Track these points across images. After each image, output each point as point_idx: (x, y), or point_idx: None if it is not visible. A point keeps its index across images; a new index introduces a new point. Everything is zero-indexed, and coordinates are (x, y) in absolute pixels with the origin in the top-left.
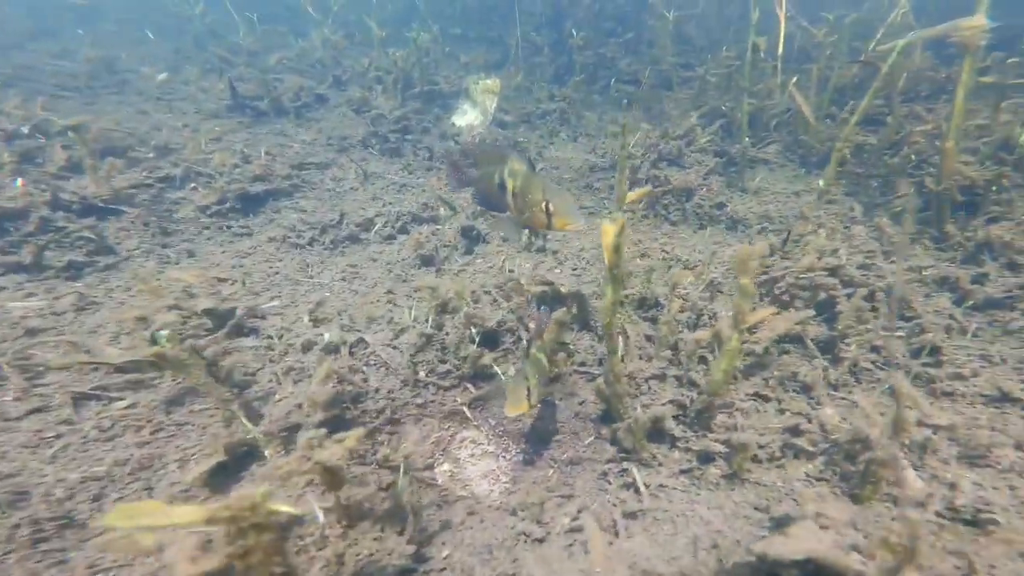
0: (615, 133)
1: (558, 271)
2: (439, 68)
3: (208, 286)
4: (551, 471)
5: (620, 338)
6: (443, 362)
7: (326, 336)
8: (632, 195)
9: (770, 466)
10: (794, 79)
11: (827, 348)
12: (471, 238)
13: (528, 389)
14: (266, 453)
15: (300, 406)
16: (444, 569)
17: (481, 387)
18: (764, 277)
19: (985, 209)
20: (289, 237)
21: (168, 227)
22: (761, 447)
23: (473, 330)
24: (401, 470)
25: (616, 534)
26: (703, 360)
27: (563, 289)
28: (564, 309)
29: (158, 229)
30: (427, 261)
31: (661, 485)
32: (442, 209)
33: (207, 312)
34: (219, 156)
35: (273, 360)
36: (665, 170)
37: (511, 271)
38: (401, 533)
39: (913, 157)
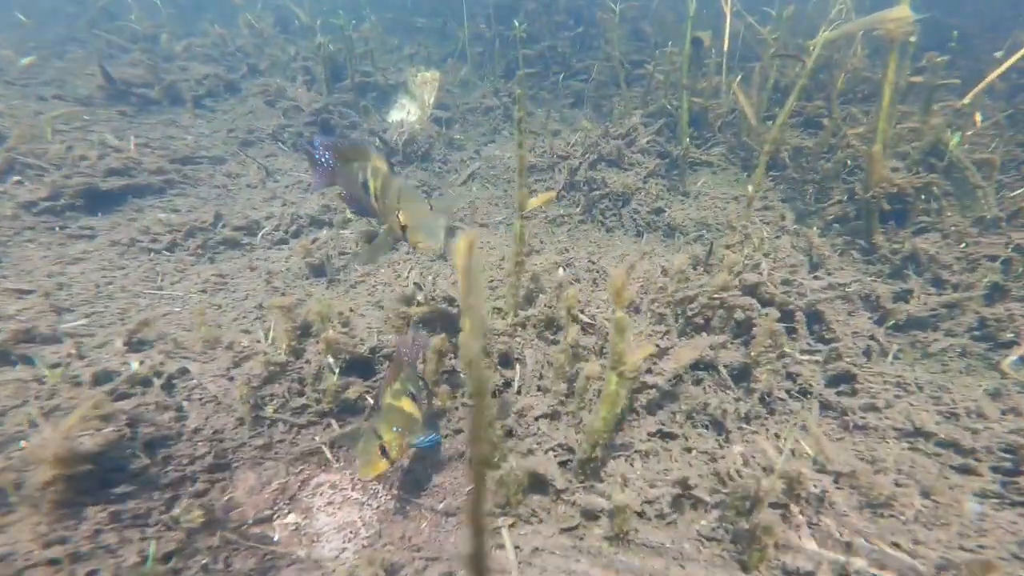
0: (555, 131)
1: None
2: (378, 59)
3: None
4: (424, 523)
5: (518, 366)
6: (299, 395)
7: (132, 365)
8: (534, 200)
9: (659, 524)
10: (738, 77)
11: (742, 375)
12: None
13: (381, 446)
14: None
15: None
16: None
17: (348, 422)
18: (680, 295)
19: (913, 219)
20: (139, 241)
21: None
22: (649, 502)
23: (332, 359)
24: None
25: None
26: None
27: (456, 308)
28: (443, 336)
29: None
30: (318, 271)
31: (537, 549)
32: (348, 212)
33: None
34: (58, 146)
35: (39, 396)
36: (604, 171)
37: (416, 284)
38: None
39: (848, 162)
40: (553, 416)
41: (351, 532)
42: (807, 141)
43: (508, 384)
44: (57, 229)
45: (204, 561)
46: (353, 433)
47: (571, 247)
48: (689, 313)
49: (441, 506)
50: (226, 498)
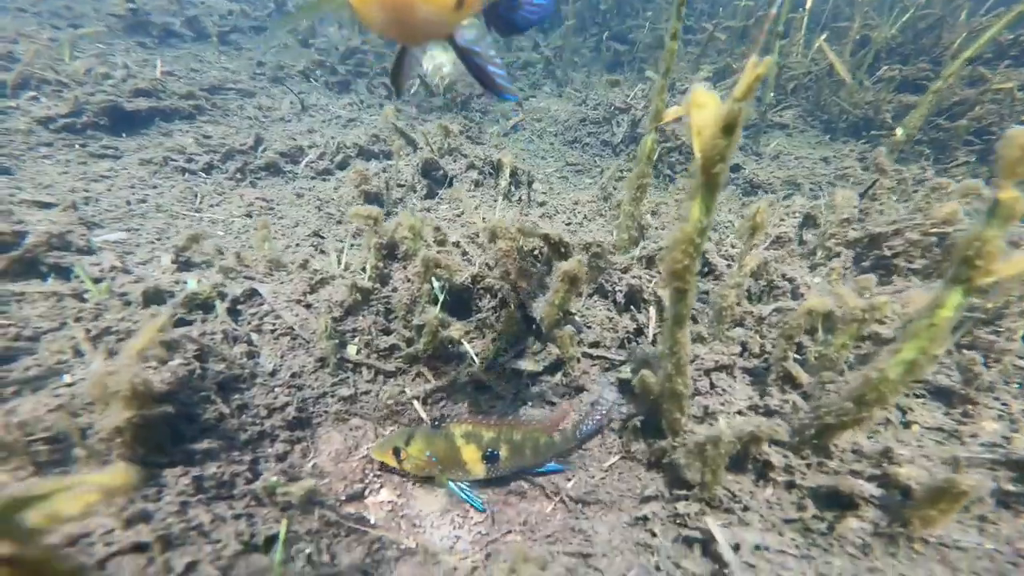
0: (613, 82)
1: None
2: None
3: None
4: (550, 507)
5: (651, 308)
6: (386, 333)
7: (189, 284)
8: (671, 112)
9: (971, 521)
10: (823, 36)
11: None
12: (434, 179)
13: (397, 450)
14: None
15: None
16: None
17: (443, 373)
18: (856, 235)
19: None
20: (174, 160)
21: None
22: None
23: (436, 283)
24: (282, 531)
25: None
26: (799, 348)
27: (567, 238)
28: (579, 259)
29: None
30: (373, 201)
31: (758, 546)
32: (397, 143)
33: None
34: (82, 62)
35: (80, 317)
36: (671, 124)
37: (485, 220)
38: None
39: (983, 120)
40: (727, 369)
41: (459, 516)
42: (911, 100)
43: (640, 330)
44: (77, 147)
45: (308, 550)
46: (452, 384)
47: (652, 199)
48: (887, 252)
49: (571, 487)
50: (310, 464)
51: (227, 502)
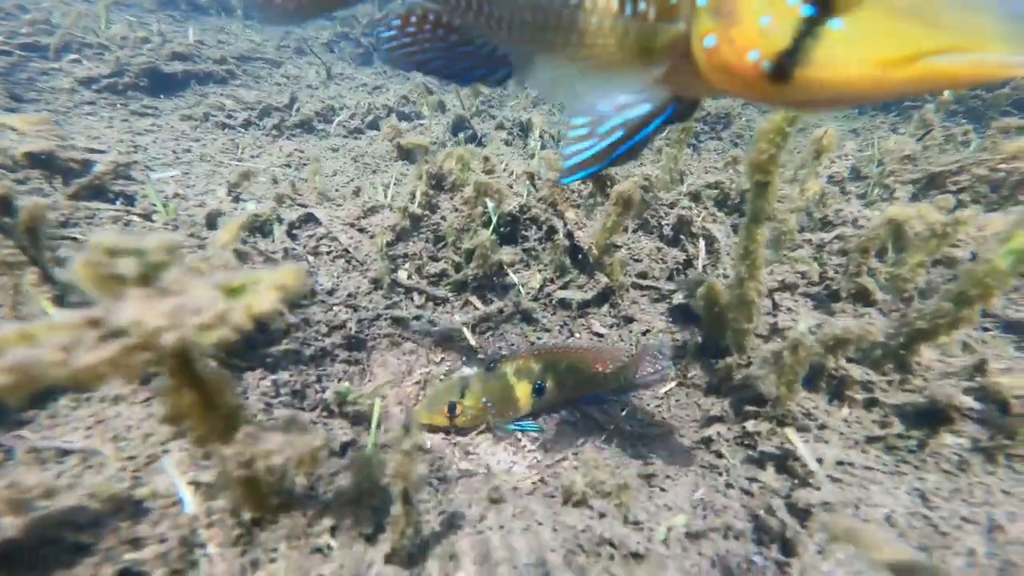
0: None
1: None
2: None
3: (48, 134)
4: (605, 434)
5: (701, 241)
6: (434, 260)
7: (249, 206)
8: None
9: None
10: None
11: None
12: (464, 139)
13: (453, 405)
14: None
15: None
16: None
17: (492, 302)
18: (918, 175)
19: None
20: (214, 116)
21: (23, 94)
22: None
23: (490, 203)
24: (375, 416)
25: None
26: (862, 272)
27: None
28: (634, 181)
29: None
30: (408, 156)
31: (841, 461)
32: (426, 106)
33: (32, 159)
34: (121, 27)
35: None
36: None
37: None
38: (371, 539)
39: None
40: (791, 288)
41: (511, 445)
42: None
43: (689, 262)
44: (119, 106)
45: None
46: (501, 313)
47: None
48: (951, 188)
49: (624, 415)
50: (368, 387)
51: (301, 411)
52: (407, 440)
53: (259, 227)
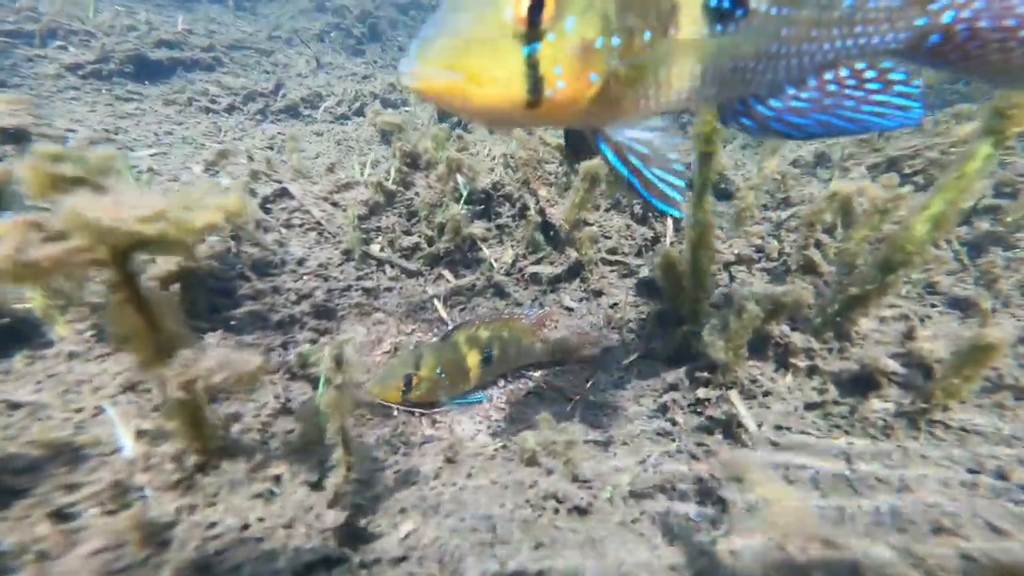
0: None
1: None
2: None
3: (24, 112)
4: (568, 406)
5: (669, 219)
6: (408, 233)
7: (222, 181)
8: None
9: (984, 400)
10: None
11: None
12: (451, 123)
13: (409, 378)
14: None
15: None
16: (404, 559)
17: (463, 275)
18: (879, 159)
19: None
20: (197, 100)
21: (6, 80)
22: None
23: (460, 178)
24: (330, 365)
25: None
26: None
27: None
28: (598, 159)
29: None
30: (390, 141)
31: (779, 426)
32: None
33: (5, 133)
34: (108, 15)
35: None
36: None
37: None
38: (315, 487)
39: None
40: (747, 263)
41: (477, 415)
42: None
43: (657, 239)
44: (103, 91)
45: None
46: (471, 285)
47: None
48: (907, 171)
49: (589, 386)
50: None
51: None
52: (338, 375)
53: None
